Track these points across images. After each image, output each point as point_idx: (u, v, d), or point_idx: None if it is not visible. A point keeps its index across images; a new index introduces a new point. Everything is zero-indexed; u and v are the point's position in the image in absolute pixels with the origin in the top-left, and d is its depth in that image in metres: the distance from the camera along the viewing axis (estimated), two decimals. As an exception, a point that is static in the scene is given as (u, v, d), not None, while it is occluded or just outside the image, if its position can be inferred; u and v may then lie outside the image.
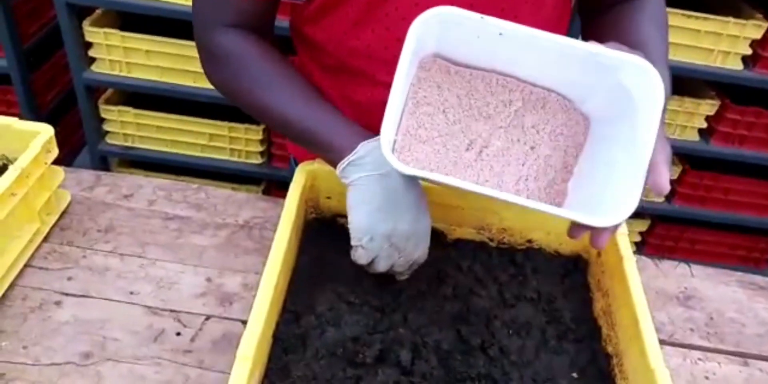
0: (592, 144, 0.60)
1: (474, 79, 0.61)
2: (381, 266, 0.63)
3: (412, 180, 0.63)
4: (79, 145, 2.00)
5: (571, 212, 0.53)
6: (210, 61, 0.69)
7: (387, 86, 0.56)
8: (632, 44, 0.58)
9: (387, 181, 0.61)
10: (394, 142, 0.58)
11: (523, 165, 0.60)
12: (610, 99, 0.57)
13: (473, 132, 0.60)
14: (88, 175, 0.88)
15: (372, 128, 0.65)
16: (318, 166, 0.73)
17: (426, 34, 0.54)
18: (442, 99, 0.61)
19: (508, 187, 0.59)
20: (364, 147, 0.61)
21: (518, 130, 0.60)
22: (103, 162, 1.78)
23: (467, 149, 0.60)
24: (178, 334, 0.67)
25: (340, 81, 0.74)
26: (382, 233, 0.61)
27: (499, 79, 0.60)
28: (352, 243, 0.63)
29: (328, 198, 0.76)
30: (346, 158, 0.61)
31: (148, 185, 0.88)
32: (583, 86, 0.59)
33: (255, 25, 0.68)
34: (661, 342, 0.75)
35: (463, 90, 0.61)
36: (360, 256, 0.63)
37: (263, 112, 0.68)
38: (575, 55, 0.54)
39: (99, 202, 0.84)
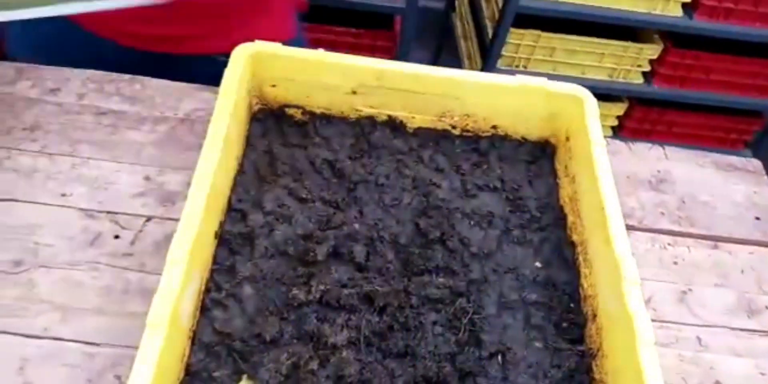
0: None
1: None
2: None
3: None
4: None
5: None
6: None
7: None
8: None
9: None
10: None
11: None
12: None
13: None
14: (6, 69, 0.79)
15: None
16: (259, 48, 0.66)
17: None
18: None
19: None
20: None
21: None
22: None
23: None
24: (117, 237, 0.63)
25: None
26: None
27: None
28: None
29: (273, 86, 0.69)
30: None
31: (77, 78, 0.79)
32: None
33: None
34: (630, 227, 0.73)
35: None
36: None
37: None
38: None
39: (22, 98, 0.76)
